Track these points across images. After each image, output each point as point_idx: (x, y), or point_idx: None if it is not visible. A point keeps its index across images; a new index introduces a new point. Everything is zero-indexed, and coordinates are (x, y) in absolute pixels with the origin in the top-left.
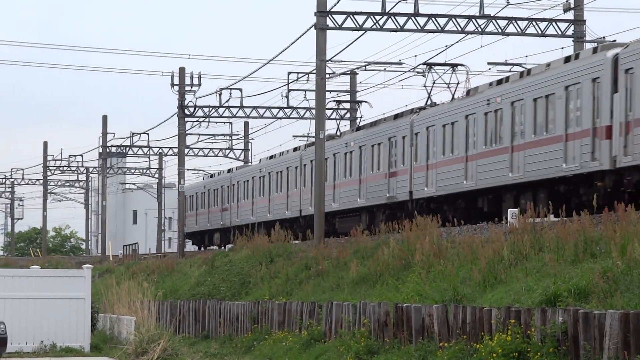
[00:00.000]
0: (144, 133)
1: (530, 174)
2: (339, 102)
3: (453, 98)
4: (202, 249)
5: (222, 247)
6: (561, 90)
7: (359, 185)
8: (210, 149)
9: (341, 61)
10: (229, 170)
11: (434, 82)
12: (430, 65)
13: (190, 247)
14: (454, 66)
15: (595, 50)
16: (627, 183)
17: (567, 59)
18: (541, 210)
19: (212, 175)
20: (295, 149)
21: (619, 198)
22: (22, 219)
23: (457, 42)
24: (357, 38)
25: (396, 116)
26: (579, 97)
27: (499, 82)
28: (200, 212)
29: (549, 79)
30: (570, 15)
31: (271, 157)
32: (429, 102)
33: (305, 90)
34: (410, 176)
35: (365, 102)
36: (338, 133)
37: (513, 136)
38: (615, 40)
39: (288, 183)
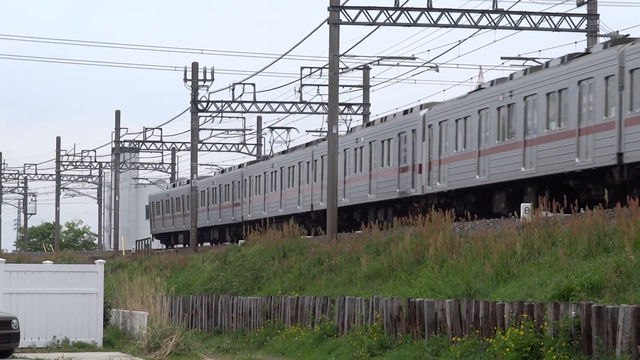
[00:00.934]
0: (156, 128)
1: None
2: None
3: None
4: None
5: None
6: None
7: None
8: (223, 144)
9: (354, 56)
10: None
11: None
12: None
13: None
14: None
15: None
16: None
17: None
18: (553, 205)
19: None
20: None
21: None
22: (35, 214)
23: (470, 36)
24: (370, 33)
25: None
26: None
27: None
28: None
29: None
30: (583, 9)
31: (283, 152)
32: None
33: (318, 85)
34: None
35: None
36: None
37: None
38: (628, 35)
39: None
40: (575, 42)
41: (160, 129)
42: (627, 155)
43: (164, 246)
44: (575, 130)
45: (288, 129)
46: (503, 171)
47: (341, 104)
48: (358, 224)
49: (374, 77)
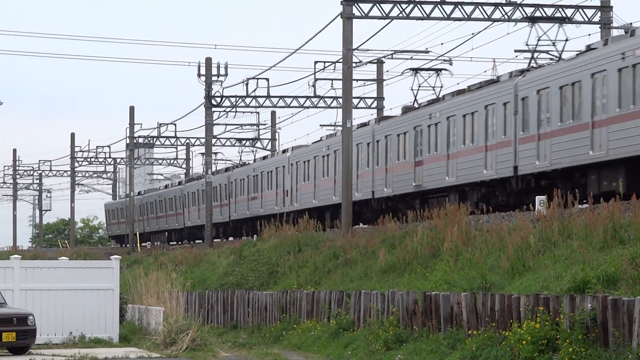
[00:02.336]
0: (171, 123)
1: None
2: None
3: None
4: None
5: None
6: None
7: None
8: (238, 139)
9: (367, 50)
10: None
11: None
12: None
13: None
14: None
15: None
16: None
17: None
18: (569, 197)
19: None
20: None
21: None
22: (50, 210)
23: (483, 29)
24: (384, 27)
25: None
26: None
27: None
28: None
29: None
30: (597, 1)
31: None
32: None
33: (332, 79)
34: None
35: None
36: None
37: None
38: None
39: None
40: (589, 35)
41: (175, 124)
42: (521, 168)
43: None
44: (483, 147)
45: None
46: (435, 179)
47: (355, 97)
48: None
49: (387, 70)
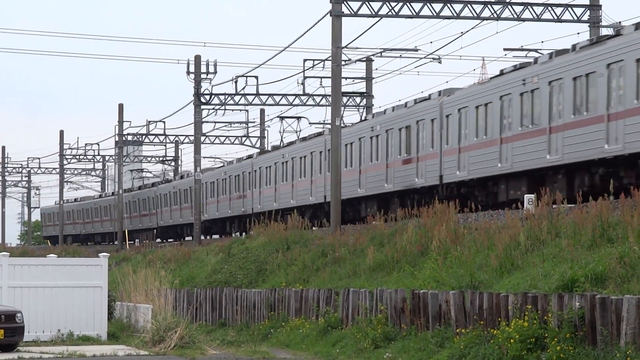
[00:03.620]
0: (160, 121)
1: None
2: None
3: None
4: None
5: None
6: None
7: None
8: (227, 136)
9: (357, 48)
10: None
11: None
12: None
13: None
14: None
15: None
16: None
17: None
18: (557, 196)
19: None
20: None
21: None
22: (38, 207)
23: (472, 28)
24: (373, 25)
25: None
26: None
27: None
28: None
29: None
30: (586, 0)
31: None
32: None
33: (321, 77)
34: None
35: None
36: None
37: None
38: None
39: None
40: (578, 33)
41: (164, 122)
42: (445, 177)
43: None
44: (415, 158)
45: (298, 118)
46: (376, 185)
47: (344, 94)
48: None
49: (376, 69)
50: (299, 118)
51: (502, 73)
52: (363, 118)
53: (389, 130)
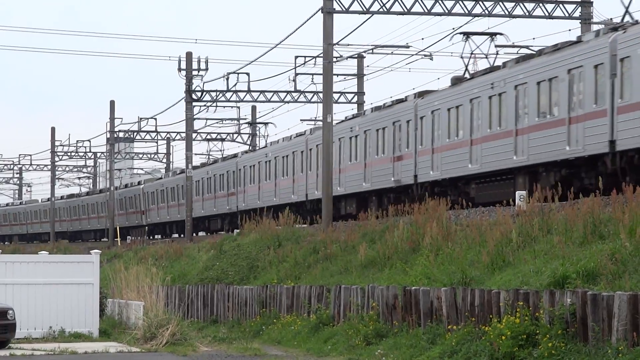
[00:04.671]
0: (151, 118)
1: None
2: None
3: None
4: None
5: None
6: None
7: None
8: (218, 133)
9: (348, 45)
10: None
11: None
12: (467, 35)
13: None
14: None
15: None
16: None
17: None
18: (549, 193)
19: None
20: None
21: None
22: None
23: (464, 24)
24: (364, 21)
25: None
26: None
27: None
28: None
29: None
30: None
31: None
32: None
33: (313, 74)
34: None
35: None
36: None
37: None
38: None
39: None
40: (569, 30)
41: (155, 119)
42: (419, 177)
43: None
44: (391, 158)
45: (266, 124)
46: (355, 185)
47: (335, 92)
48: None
49: (368, 65)
50: (266, 124)
51: (472, 77)
52: (342, 119)
53: (367, 131)
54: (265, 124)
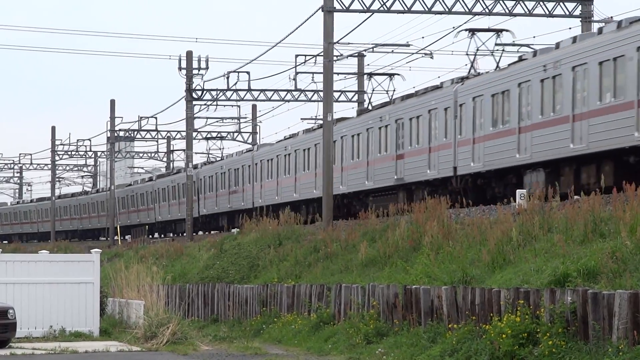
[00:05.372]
0: (152, 117)
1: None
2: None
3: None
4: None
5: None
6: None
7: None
8: (218, 132)
9: (348, 43)
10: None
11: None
12: (473, 32)
13: None
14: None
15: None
16: None
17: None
18: (549, 191)
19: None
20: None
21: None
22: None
23: (464, 23)
24: (365, 20)
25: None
26: None
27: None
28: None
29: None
30: None
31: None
32: (471, 72)
33: (313, 73)
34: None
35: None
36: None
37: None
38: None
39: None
40: (570, 28)
41: (156, 118)
42: (342, 189)
43: None
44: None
45: (221, 138)
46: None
47: (336, 91)
48: None
49: (368, 64)
50: (221, 138)
51: (436, 87)
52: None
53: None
54: (221, 138)
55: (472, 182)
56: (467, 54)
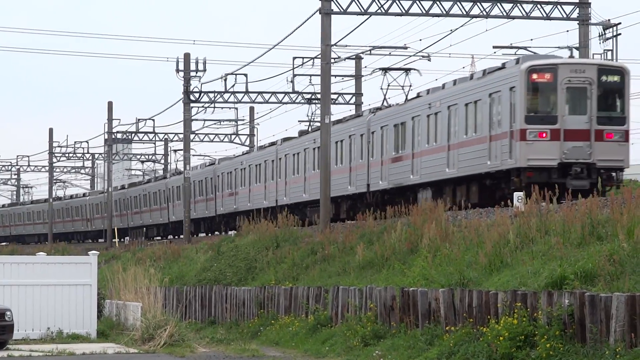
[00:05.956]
0: (149, 119)
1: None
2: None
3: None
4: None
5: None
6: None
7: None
8: (216, 134)
9: (346, 46)
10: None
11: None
12: (385, 70)
13: None
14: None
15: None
16: None
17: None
18: (547, 195)
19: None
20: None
21: None
22: None
23: (462, 25)
24: (362, 22)
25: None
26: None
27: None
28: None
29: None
30: None
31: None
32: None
33: (311, 75)
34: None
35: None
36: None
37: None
38: (619, 23)
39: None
40: (567, 31)
41: (153, 120)
42: (285, 200)
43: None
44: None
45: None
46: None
47: (333, 93)
48: None
49: (365, 66)
50: (153, 162)
51: (357, 115)
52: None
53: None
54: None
55: (381, 197)
56: (381, 89)
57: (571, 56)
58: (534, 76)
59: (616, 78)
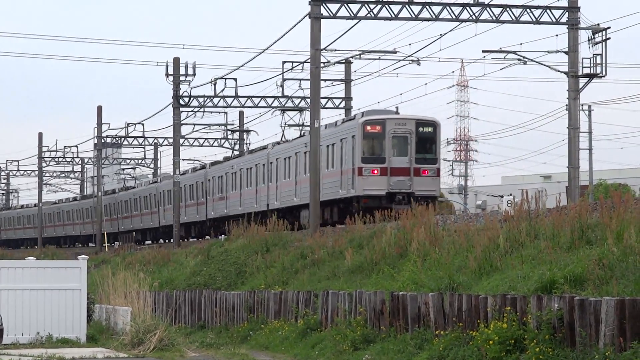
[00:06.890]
0: (139, 123)
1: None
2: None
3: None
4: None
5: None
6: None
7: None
8: (206, 138)
9: (336, 50)
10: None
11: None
12: (283, 110)
13: None
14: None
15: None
16: None
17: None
18: (537, 199)
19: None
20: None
21: None
22: None
23: (451, 30)
24: (352, 27)
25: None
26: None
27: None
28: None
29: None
30: (564, 1)
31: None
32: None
33: (300, 80)
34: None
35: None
36: (283, 139)
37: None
38: (608, 27)
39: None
40: (557, 35)
41: (143, 124)
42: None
43: None
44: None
45: (248, 131)
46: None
47: (323, 97)
48: None
49: (355, 71)
50: (248, 131)
51: (263, 147)
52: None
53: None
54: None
55: (278, 214)
56: (280, 126)
57: (397, 112)
58: (368, 128)
59: (430, 129)
